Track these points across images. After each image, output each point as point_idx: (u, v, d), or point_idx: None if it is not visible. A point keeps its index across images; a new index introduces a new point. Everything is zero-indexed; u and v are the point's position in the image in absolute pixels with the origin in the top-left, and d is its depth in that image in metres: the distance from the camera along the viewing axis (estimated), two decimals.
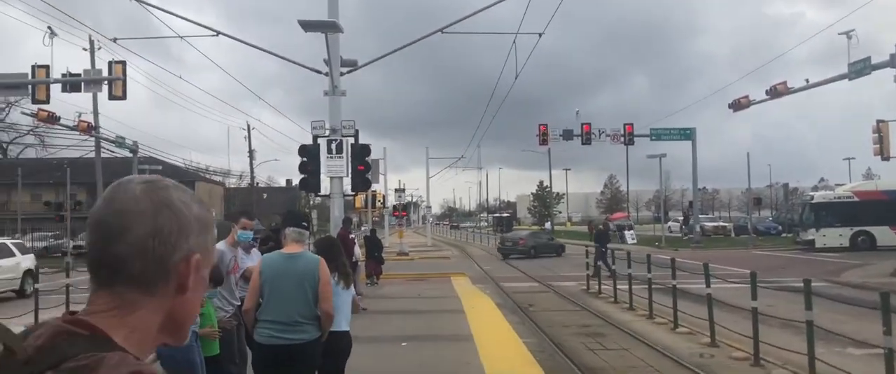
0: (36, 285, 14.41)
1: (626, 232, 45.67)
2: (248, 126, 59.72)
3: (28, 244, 27.72)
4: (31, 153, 64.55)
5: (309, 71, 18.09)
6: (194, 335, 5.24)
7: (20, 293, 19.05)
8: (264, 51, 19.79)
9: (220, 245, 6.00)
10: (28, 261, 20.36)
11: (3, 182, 49.98)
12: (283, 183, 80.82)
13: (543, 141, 41.22)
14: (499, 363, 8.63)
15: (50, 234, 46.00)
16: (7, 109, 59.60)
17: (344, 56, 18.02)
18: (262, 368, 4.94)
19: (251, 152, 60.85)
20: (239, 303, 5.94)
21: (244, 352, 6.25)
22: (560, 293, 17.89)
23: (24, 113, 35.80)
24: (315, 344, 4.87)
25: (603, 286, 17.40)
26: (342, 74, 17.98)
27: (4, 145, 67.26)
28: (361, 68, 19.24)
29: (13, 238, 31.22)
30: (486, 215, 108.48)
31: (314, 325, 4.86)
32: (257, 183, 68.42)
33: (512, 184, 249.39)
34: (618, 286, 15.66)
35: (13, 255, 19.77)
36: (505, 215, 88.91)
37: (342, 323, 5.29)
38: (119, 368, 0.88)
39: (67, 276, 15.58)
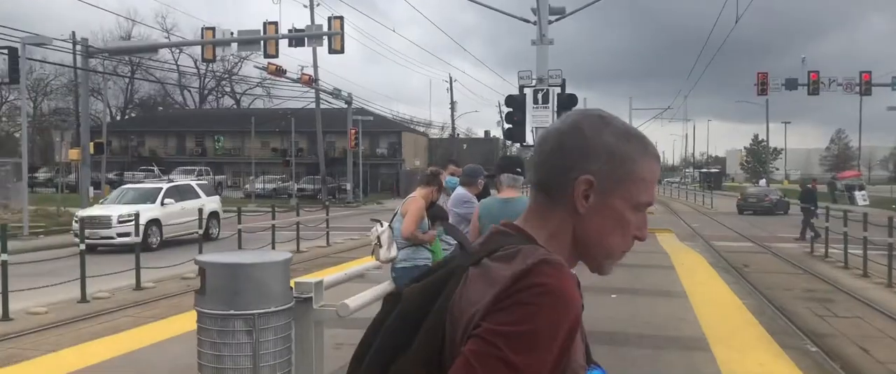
0: (241, 226, 14.89)
1: (857, 193, 41.25)
2: (451, 78, 61.50)
3: (212, 184, 28.57)
4: (259, 104, 71.63)
5: (511, 20, 18.06)
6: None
7: (205, 236, 16.76)
8: (474, 1, 19.88)
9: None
10: (213, 203, 19.20)
11: (238, 129, 55.94)
12: (481, 134, 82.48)
13: (762, 91, 37.88)
14: (716, 320, 8.21)
15: (277, 177, 51.16)
16: (240, 63, 66.53)
17: (551, 4, 17.76)
18: None
19: (452, 104, 62.73)
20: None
21: None
22: (779, 255, 16.61)
23: (256, 67, 39.63)
24: None
25: (831, 250, 15.88)
26: (550, 22, 17.74)
27: (238, 96, 75.26)
28: (568, 17, 18.87)
29: (198, 178, 31.89)
30: (691, 169, 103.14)
31: None
32: (458, 134, 70.55)
33: (721, 137, 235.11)
34: (849, 251, 14.19)
35: (198, 197, 18.66)
36: (713, 170, 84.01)
37: None
38: (531, 256, 1.05)
39: (297, 215, 17.19)
